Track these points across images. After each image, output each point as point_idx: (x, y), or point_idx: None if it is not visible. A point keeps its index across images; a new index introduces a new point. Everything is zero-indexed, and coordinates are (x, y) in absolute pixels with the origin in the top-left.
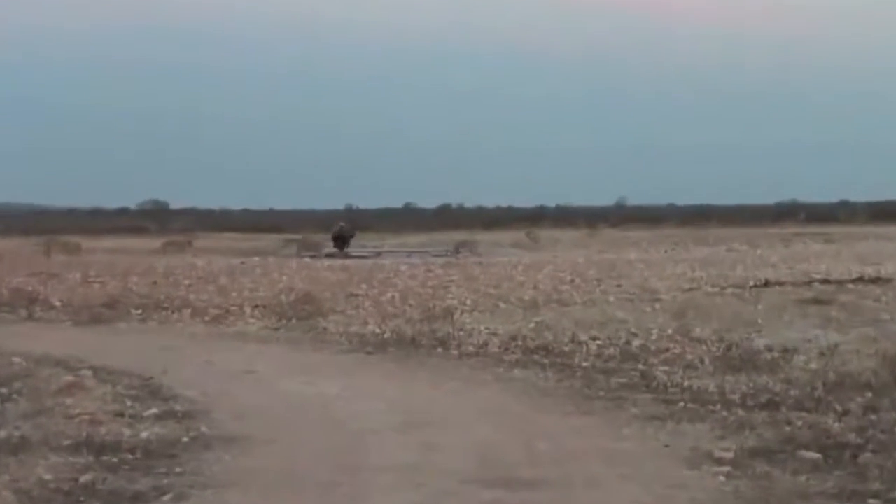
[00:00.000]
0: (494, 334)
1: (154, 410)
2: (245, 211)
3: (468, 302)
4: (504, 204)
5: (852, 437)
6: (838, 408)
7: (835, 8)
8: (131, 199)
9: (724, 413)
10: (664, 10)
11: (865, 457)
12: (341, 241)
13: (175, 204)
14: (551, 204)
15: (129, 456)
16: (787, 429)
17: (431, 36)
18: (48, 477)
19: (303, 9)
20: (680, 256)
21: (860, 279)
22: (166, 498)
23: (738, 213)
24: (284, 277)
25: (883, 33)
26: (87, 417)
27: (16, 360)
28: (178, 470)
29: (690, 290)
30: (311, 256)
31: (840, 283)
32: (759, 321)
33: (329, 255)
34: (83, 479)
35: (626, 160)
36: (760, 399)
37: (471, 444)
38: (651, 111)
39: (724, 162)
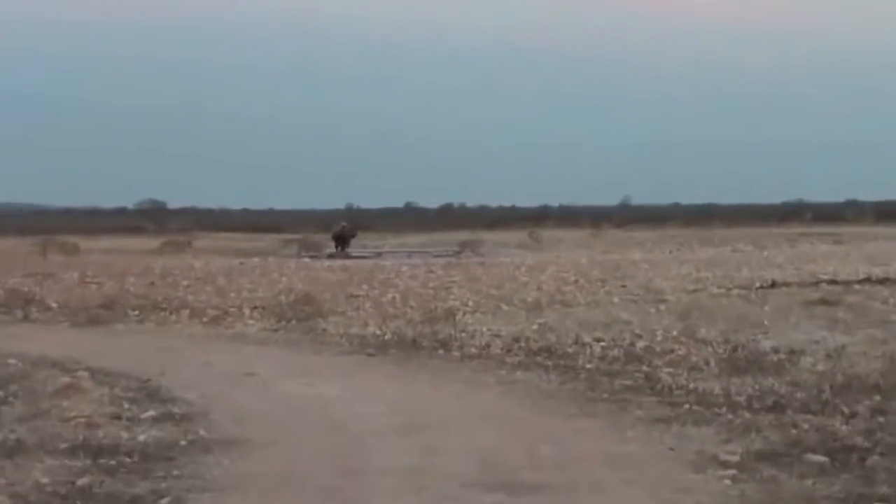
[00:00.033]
0: (497, 336)
1: (152, 413)
2: (244, 210)
3: (470, 303)
4: (507, 203)
5: (860, 440)
6: (845, 410)
7: (840, 2)
8: (129, 199)
9: (730, 416)
10: (666, 6)
11: (873, 460)
12: (342, 240)
13: (173, 203)
14: (555, 203)
15: (127, 459)
16: (794, 432)
17: (433, 33)
18: (45, 480)
19: (303, 5)
20: (685, 257)
21: (867, 280)
22: (164, 501)
23: (743, 213)
24: (284, 278)
25: (891, 28)
26: (83, 420)
27: (11, 361)
28: (176, 473)
29: (695, 290)
30: (312, 257)
31: (847, 283)
32: (766, 322)
33: (331, 256)
34: (80, 482)
35: (631, 159)
36: (766, 401)
37: (473, 448)
38: (655, 109)
39: (729, 160)
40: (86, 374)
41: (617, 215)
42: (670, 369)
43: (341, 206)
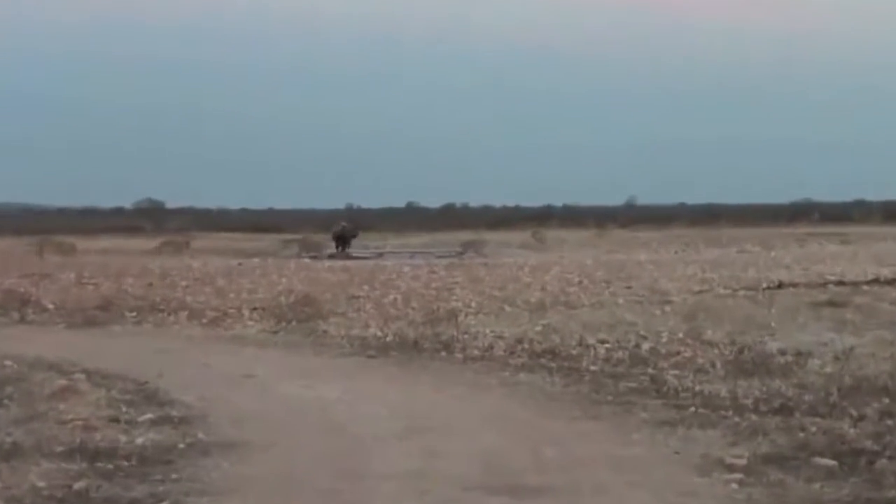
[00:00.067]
0: (500, 337)
1: (149, 416)
2: (244, 210)
3: (473, 304)
4: (510, 203)
5: (868, 444)
6: (854, 413)
7: (844, 1)
8: (127, 198)
9: (737, 418)
10: (670, 4)
11: (882, 463)
12: (342, 240)
13: (171, 203)
14: (559, 203)
15: (125, 462)
16: (801, 435)
17: (434, 31)
18: (41, 484)
19: (303, 4)
20: (691, 257)
21: (876, 281)
22: None
23: (750, 213)
24: (284, 279)
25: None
26: (80, 423)
27: (7, 363)
28: (174, 477)
29: (701, 291)
30: (312, 257)
31: (855, 284)
32: (773, 324)
33: (331, 256)
34: (77, 486)
35: (636, 158)
36: (774, 404)
37: (475, 451)
38: (660, 108)
39: (736, 160)
40: (83, 376)
41: (622, 215)
42: (676, 371)
43: (342, 205)
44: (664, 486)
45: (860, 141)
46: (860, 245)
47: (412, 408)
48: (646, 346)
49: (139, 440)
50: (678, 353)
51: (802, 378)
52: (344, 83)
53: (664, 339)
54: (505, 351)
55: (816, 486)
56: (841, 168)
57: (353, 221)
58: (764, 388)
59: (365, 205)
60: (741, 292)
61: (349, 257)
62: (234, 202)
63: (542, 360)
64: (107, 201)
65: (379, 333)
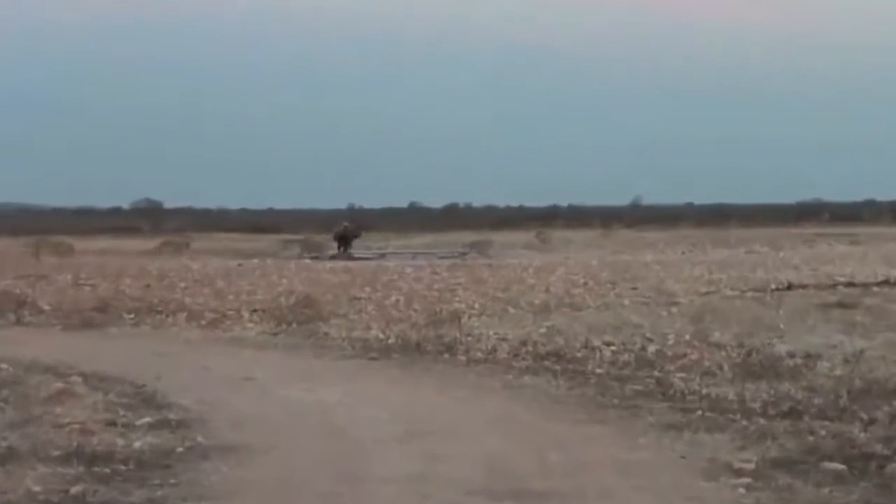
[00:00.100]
0: (503, 340)
1: (147, 419)
2: (243, 210)
3: (476, 306)
4: (514, 203)
5: (878, 448)
6: (864, 416)
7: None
8: (124, 198)
9: (744, 422)
10: (669, 4)
11: (892, 468)
12: (344, 241)
13: (170, 203)
14: (564, 203)
15: (122, 467)
16: (811, 438)
17: (435, 31)
18: (37, 489)
19: (303, 4)
20: (698, 258)
21: (886, 282)
22: None
23: (758, 213)
24: (284, 280)
25: None
26: (77, 426)
27: (3, 366)
28: (172, 481)
29: (709, 293)
30: (314, 258)
31: (865, 286)
32: (781, 326)
33: (333, 257)
34: (74, 490)
35: (642, 158)
36: (782, 407)
37: (478, 454)
38: (667, 107)
39: (744, 159)
40: (79, 379)
41: (628, 215)
42: (682, 374)
43: (343, 205)
44: (670, 490)
45: (870, 141)
46: (870, 246)
47: (414, 411)
48: (652, 348)
49: (137, 444)
50: (685, 355)
51: (811, 381)
52: (344, 83)
53: (671, 342)
54: (508, 353)
55: (825, 490)
56: (851, 168)
57: (354, 221)
58: (772, 392)
59: (367, 205)
60: (749, 294)
61: (351, 258)
62: (233, 202)
63: (547, 363)
64: (104, 201)
65: (381, 335)
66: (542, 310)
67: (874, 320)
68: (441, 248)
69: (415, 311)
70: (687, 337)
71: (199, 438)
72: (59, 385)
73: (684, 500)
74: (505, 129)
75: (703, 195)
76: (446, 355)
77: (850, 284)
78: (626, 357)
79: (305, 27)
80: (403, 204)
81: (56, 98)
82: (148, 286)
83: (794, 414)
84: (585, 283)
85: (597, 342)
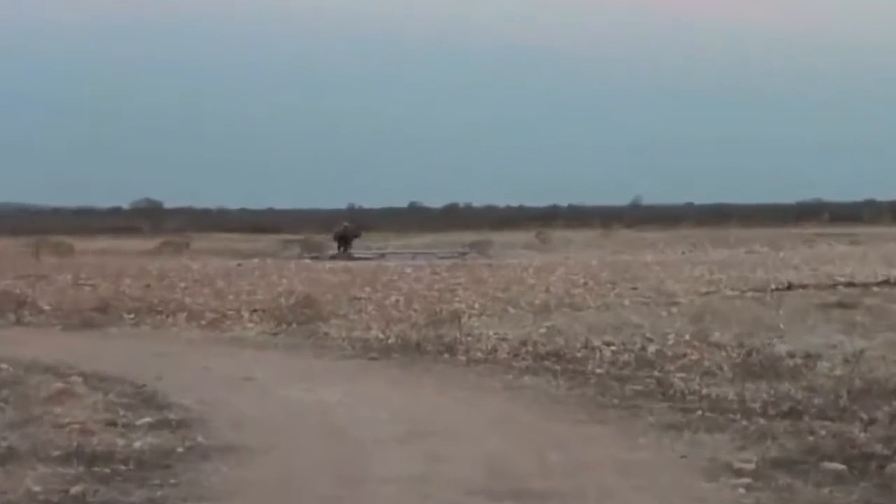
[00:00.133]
0: (503, 340)
1: (148, 419)
2: (243, 210)
3: (476, 306)
4: (514, 203)
5: (878, 448)
6: (864, 416)
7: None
8: (124, 198)
9: (744, 422)
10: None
11: (892, 468)
12: (345, 241)
13: (170, 203)
14: (564, 203)
15: (122, 467)
16: (811, 438)
17: (436, 30)
18: (37, 489)
19: (303, 3)
20: (698, 258)
21: (886, 282)
22: None
23: (758, 213)
24: (284, 280)
25: None
26: (77, 426)
27: (3, 366)
28: (172, 481)
29: (709, 293)
30: (314, 258)
31: (865, 286)
32: (781, 326)
33: (333, 257)
34: (74, 490)
35: (642, 158)
36: (782, 407)
37: (479, 455)
38: (667, 106)
39: (744, 159)
40: (79, 379)
41: (628, 215)
42: (683, 374)
43: (343, 205)
44: (671, 490)
45: (870, 140)
46: (870, 246)
47: (414, 411)
48: (652, 348)
49: (137, 444)
50: (685, 355)
51: (811, 381)
52: (344, 82)
53: (671, 342)
54: (509, 353)
55: (826, 490)
56: (851, 168)
57: (354, 221)
58: (772, 392)
59: (366, 205)
60: (749, 294)
61: (351, 258)
62: (233, 202)
63: (547, 363)
64: (104, 201)
65: (381, 335)
66: (543, 310)
67: (874, 320)
68: (441, 248)
69: (415, 311)
70: (687, 337)
71: (200, 438)
72: (59, 385)
73: (684, 501)
74: (505, 128)
75: (703, 195)
76: (446, 355)
77: (851, 284)
78: (626, 357)
79: (305, 27)
80: (403, 204)
81: (55, 98)
82: (148, 286)
83: (794, 414)
84: (585, 284)
85: (597, 342)
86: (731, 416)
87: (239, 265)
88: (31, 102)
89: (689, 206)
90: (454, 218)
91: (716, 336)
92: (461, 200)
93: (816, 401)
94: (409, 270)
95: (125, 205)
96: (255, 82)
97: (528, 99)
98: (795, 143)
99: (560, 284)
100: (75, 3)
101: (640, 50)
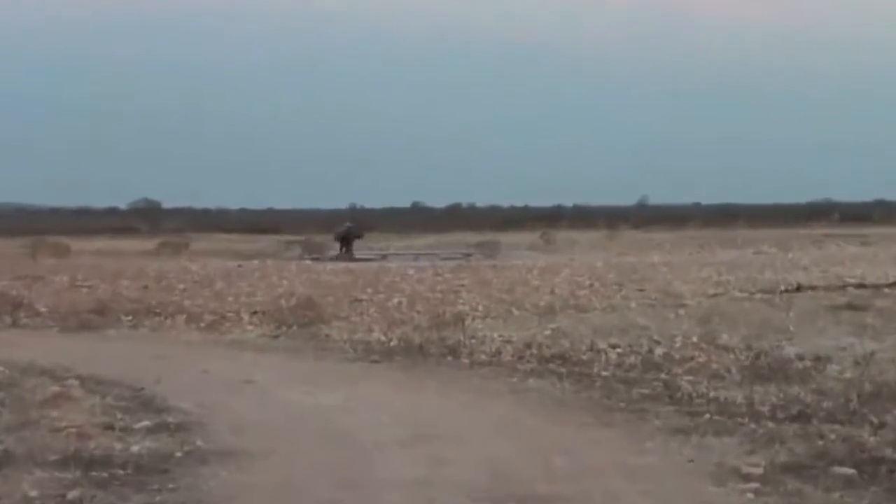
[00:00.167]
0: (508, 342)
1: (146, 423)
2: (242, 210)
3: (480, 308)
4: (519, 203)
5: (889, 452)
6: (874, 420)
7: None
8: (122, 198)
9: (753, 426)
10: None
11: None
12: (346, 241)
13: (168, 203)
14: (569, 203)
15: (120, 471)
16: (820, 443)
17: (437, 28)
18: (33, 493)
19: (303, 1)
20: (705, 259)
21: None
22: None
23: (767, 213)
24: (284, 281)
25: None
26: (74, 430)
27: None
28: (171, 486)
29: (716, 294)
30: (315, 259)
31: (876, 287)
32: (790, 328)
33: (335, 258)
34: (71, 495)
35: (648, 157)
36: (791, 411)
37: (482, 459)
38: (674, 105)
39: (752, 159)
40: (76, 382)
41: (634, 216)
42: (690, 377)
43: (344, 205)
44: (678, 495)
45: (881, 139)
46: (881, 246)
47: (417, 415)
48: (659, 350)
49: (135, 448)
50: (692, 358)
51: (821, 384)
52: (345, 81)
53: (678, 344)
54: (513, 356)
55: (835, 495)
56: (861, 167)
57: (356, 221)
58: (781, 395)
59: (368, 205)
60: (758, 295)
61: (353, 259)
62: (232, 202)
63: (552, 366)
64: (101, 201)
65: (383, 338)
66: (547, 312)
67: (885, 322)
68: (444, 248)
69: (417, 313)
70: (694, 339)
71: (199, 442)
72: (56, 388)
73: None
74: (509, 127)
75: (711, 195)
76: (450, 358)
77: (861, 286)
78: (632, 360)
79: (305, 24)
80: (406, 204)
81: (49, 98)
82: (146, 288)
83: (803, 417)
84: (591, 285)
85: (603, 344)
86: (739, 419)
87: (239, 266)
88: (27, 101)
89: (697, 206)
90: (457, 218)
91: (724, 338)
92: (464, 200)
93: (826, 404)
94: (411, 272)
95: (123, 205)
96: (255, 81)
97: (533, 97)
98: (804, 143)
99: (565, 286)
100: (72, 0)
101: (646, 48)
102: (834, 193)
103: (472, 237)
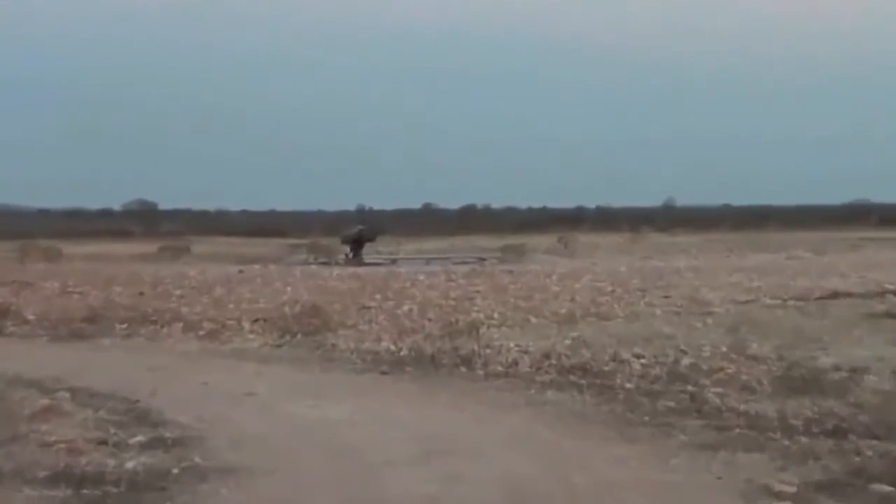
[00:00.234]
0: (525, 352)
1: (141, 438)
2: (243, 212)
3: (495, 315)
4: (537, 205)
5: None
6: None
7: None
8: (115, 199)
9: (785, 441)
10: None
11: None
12: (358, 244)
13: (165, 204)
14: (591, 205)
15: (113, 489)
16: (857, 459)
17: (448, 21)
18: None
19: None
20: (735, 264)
21: None
22: None
23: (801, 215)
24: (288, 287)
25: None
26: (65, 446)
27: None
28: None
29: (747, 302)
30: (323, 263)
31: None
32: (825, 337)
33: (345, 261)
34: None
35: (675, 156)
36: (826, 425)
37: (498, 476)
38: (703, 102)
39: (786, 158)
40: (67, 394)
41: (659, 218)
42: (718, 389)
43: (351, 207)
44: None
45: None
46: None
47: (429, 429)
48: (685, 361)
49: (129, 464)
50: (721, 369)
51: (858, 396)
52: (353, 76)
53: (706, 354)
54: (531, 367)
55: None
56: None
57: (368, 223)
58: (815, 408)
59: (377, 206)
60: (790, 302)
61: (361, 263)
62: (233, 203)
63: (572, 377)
64: (94, 202)
65: (392, 347)
66: (567, 320)
67: None
68: (457, 252)
69: (429, 321)
70: (723, 349)
71: (197, 459)
72: (45, 401)
73: None
74: (527, 124)
75: (741, 196)
76: (463, 369)
77: None
78: (657, 371)
79: (312, 16)
80: (416, 205)
81: (36, 90)
82: (141, 294)
83: (838, 432)
84: (613, 291)
85: (626, 355)
86: (770, 434)
87: (240, 271)
88: (11, 94)
89: (726, 207)
90: (471, 221)
91: (754, 348)
92: (479, 202)
93: (863, 418)
94: (422, 277)
95: (117, 206)
96: (258, 74)
97: (552, 93)
98: (841, 141)
99: (586, 292)
100: None
101: (674, 40)
102: (872, 194)
103: (488, 241)
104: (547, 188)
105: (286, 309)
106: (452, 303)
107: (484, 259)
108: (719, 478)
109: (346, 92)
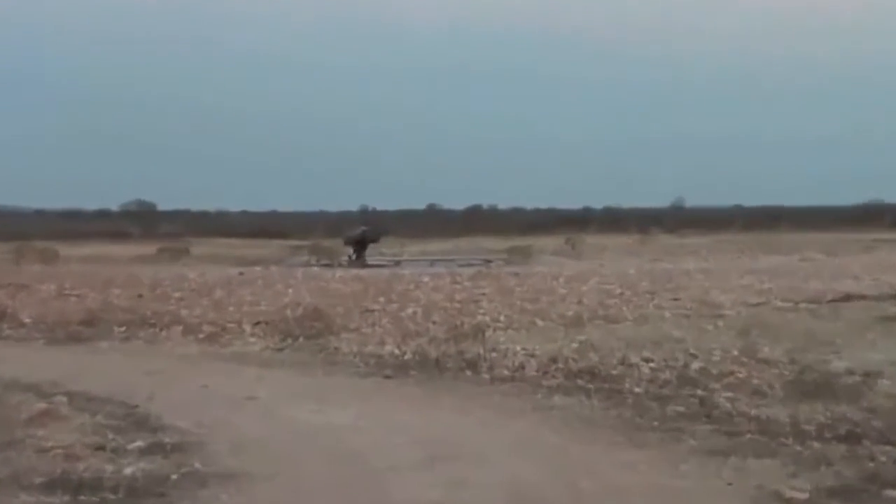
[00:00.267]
0: (532, 355)
1: (139, 443)
2: (244, 213)
3: (501, 318)
4: (544, 205)
5: None
6: None
7: None
8: (113, 200)
9: (797, 446)
10: None
11: None
12: (361, 246)
13: (164, 205)
14: (598, 206)
15: (111, 495)
16: (870, 465)
17: (451, 19)
18: None
19: None
20: (746, 266)
21: None
22: None
23: (813, 216)
24: (290, 290)
25: None
26: (62, 451)
27: None
28: None
29: (758, 304)
30: (325, 265)
31: None
32: (838, 341)
33: (348, 263)
34: None
35: (684, 156)
36: (839, 430)
37: (504, 482)
38: (712, 101)
39: (797, 157)
40: (64, 399)
41: (669, 219)
42: (729, 394)
43: (353, 207)
44: None
45: None
46: None
47: (433, 434)
48: (695, 365)
49: (128, 470)
50: (731, 373)
51: (871, 401)
52: (355, 74)
53: (716, 358)
54: (537, 371)
55: None
56: None
57: (372, 224)
58: (828, 413)
59: (380, 206)
60: (802, 305)
61: (365, 265)
62: (233, 204)
63: (579, 381)
64: (91, 203)
65: (396, 351)
66: (575, 323)
67: None
68: (462, 254)
69: (434, 324)
70: (734, 353)
71: (197, 464)
72: (42, 405)
73: None
74: (533, 123)
75: (752, 196)
76: (468, 373)
77: None
78: (666, 375)
79: (313, 15)
80: (420, 206)
81: (31, 88)
82: (140, 297)
83: (852, 437)
84: (622, 294)
85: (634, 358)
86: (782, 439)
87: (241, 273)
88: (8, 94)
89: (737, 208)
90: (476, 221)
91: (765, 352)
92: (485, 202)
93: (876, 423)
94: (426, 279)
95: (115, 207)
96: (258, 74)
97: (559, 91)
98: (853, 140)
99: (594, 295)
100: None
101: (683, 37)
102: (886, 195)
103: (494, 242)
104: (551, 188)
105: (288, 312)
106: (457, 305)
107: (490, 261)
108: (730, 484)
109: (346, 92)
